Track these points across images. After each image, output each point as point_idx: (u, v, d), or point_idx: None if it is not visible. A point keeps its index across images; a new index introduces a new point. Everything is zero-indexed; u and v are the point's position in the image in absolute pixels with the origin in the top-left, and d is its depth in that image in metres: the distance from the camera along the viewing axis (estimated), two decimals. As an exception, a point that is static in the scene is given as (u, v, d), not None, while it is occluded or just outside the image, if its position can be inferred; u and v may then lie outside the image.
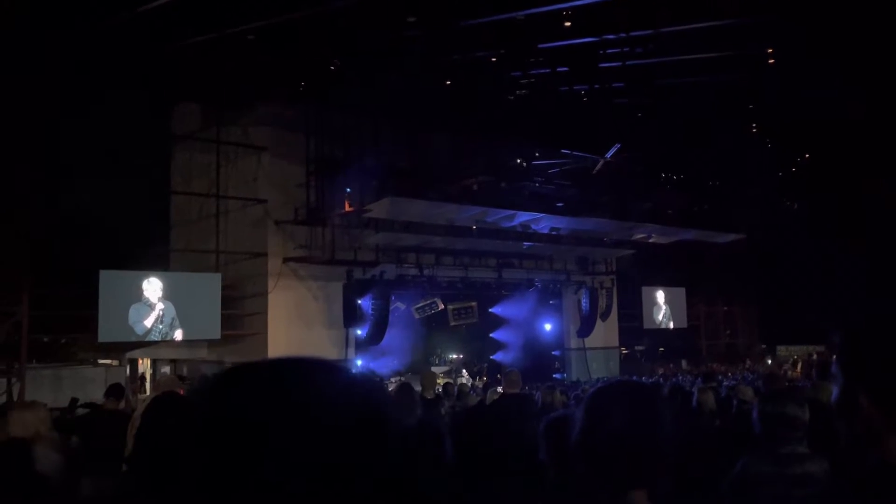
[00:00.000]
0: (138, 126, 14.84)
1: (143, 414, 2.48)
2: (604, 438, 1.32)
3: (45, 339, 15.51)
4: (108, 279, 13.82)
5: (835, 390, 1.16)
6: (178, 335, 14.67)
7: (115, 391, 7.24)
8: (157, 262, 15.91)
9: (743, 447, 3.46)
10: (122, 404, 7.43)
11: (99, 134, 13.61)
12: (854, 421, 1.09)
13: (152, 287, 14.32)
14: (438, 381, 16.33)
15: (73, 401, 10.94)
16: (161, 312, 14.34)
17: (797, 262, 22.96)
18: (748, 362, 24.36)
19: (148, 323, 14.19)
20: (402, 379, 16.44)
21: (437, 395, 7.62)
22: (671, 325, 23.64)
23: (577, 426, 1.37)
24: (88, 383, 13.62)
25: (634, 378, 16.60)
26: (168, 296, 14.43)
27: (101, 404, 7.62)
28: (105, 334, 13.77)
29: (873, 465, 1.06)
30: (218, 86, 14.35)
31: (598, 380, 18.12)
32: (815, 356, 22.31)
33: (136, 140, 14.86)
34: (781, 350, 26.22)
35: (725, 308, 28.40)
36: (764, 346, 27.70)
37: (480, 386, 15.08)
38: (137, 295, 14.11)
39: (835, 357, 1.16)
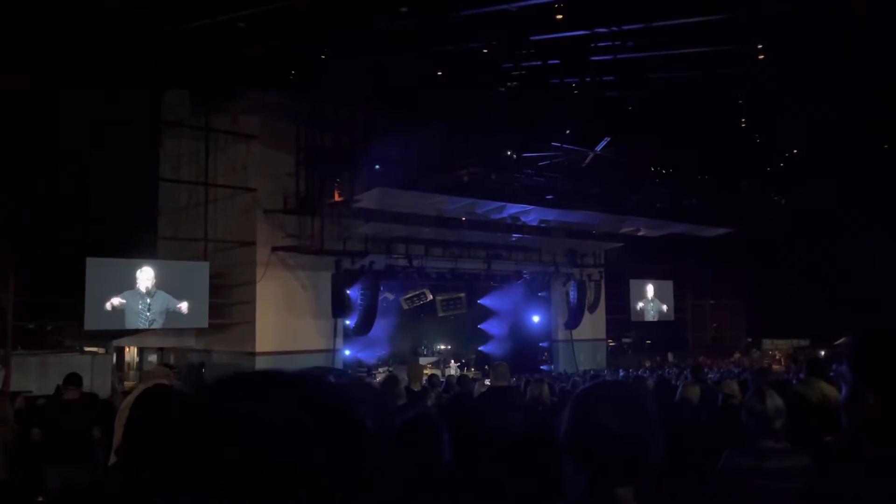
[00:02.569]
0: (127, 112, 14.74)
1: (133, 406, 2.48)
2: (590, 439, 1.34)
3: (31, 326, 15.42)
4: (95, 266, 13.73)
5: (844, 389, 1.20)
6: (165, 323, 14.63)
7: (73, 380, 7.27)
8: (144, 250, 15.82)
9: (727, 441, 3.51)
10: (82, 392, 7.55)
11: (87, 120, 13.52)
12: (861, 419, 1.14)
13: (144, 276, 14.27)
14: (425, 372, 16.42)
15: (59, 388, 10.89)
16: (151, 301, 14.31)
17: (784, 257, 23.14)
18: (735, 355, 24.58)
19: (138, 312, 14.15)
20: (390, 370, 16.48)
21: (424, 388, 7.64)
22: (658, 318, 23.80)
23: (564, 426, 1.39)
24: (75, 371, 13.56)
25: (621, 374, 16.73)
26: (156, 284, 14.38)
27: (63, 394, 7.64)
28: (91, 322, 13.70)
29: (877, 462, 1.10)
30: (208, 73, 14.25)
31: (585, 372, 18.22)
32: (791, 350, 22.61)
33: (124, 126, 14.76)
34: (767, 344, 26.47)
35: (712, 301, 28.61)
36: (750, 339, 27.95)
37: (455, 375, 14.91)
38: (126, 283, 14.05)
39: (846, 357, 1.20)
